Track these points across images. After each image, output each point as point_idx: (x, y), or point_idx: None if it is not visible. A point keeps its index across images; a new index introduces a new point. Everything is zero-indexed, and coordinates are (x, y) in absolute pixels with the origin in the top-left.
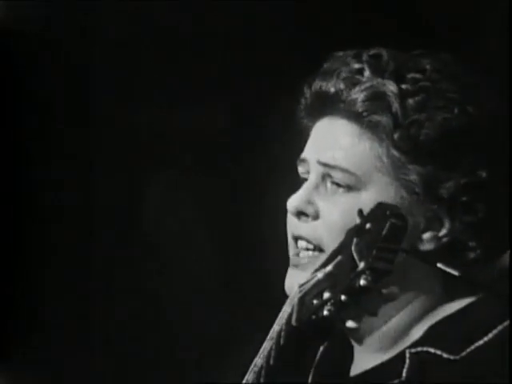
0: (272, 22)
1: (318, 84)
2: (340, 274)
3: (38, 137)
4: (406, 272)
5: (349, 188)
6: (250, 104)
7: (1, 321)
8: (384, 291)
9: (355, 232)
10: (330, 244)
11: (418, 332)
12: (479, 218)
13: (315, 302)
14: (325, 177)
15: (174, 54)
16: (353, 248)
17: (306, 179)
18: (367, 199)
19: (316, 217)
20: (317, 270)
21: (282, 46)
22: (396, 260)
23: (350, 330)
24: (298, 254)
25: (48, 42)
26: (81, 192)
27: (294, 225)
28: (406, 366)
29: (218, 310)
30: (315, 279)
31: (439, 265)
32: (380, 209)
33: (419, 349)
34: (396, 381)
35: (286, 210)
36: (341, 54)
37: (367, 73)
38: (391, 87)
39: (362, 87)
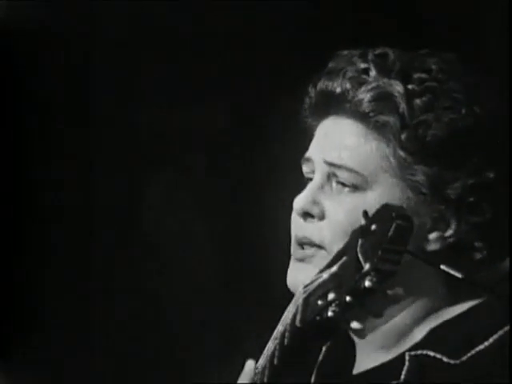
0: (272, 21)
1: (323, 83)
2: (345, 275)
3: (38, 137)
4: (411, 273)
5: (355, 188)
6: (250, 104)
7: (1, 321)
8: (389, 292)
9: (360, 233)
10: (333, 244)
11: (419, 334)
12: (486, 218)
13: (320, 302)
14: (330, 176)
15: (173, 54)
16: (358, 249)
17: (310, 179)
18: (373, 199)
19: (322, 217)
20: (322, 271)
21: (282, 46)
22: (401, 261)
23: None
24: (302, 247)
25: (48, 42)
26: (81, 192)
27: (298, 226)
28: (405, 368)
29: (217, 309)
30: (320, 280)
31: (443, 266)
32: (385, 210)
33: (419, 352)
34: (394, 382)
35: (285, 210)
36: (346, 52)
37: (373, 72)
38: (398, 87)
39: (369, 87)
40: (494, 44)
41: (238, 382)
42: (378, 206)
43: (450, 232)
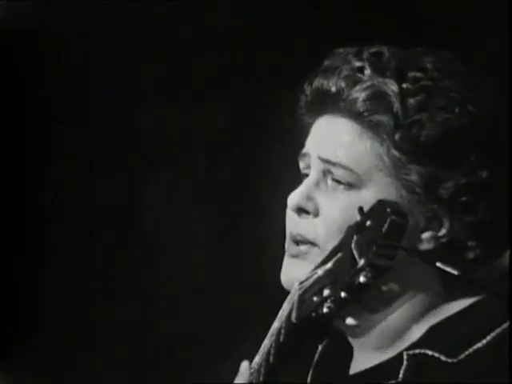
0: (272, 21)
1: (318, 81)
2: (340, 271)
3: (38, 137)
4: (406, 269)
5: (349, 186)
6: (250, 104)
7: (1, 321)
8: (384, 288)
9: (355, 229)
10: (327, 241)
11: (417, 332)
12: (479, 218)
13: (315, 299)
14: (326, 173)
15: (173, 54)
16: (353, 245)
17: (306, 175)
18: (367, 197)
19: (316, 214)
20: (317, 267)
21: (282, 46)
22: (396, 257)
23: (349, 326)
24: (296, 243)
25: (48, 42)
26: (81, 192)
27: (293, 222)
28: (404, 367)
29: (217, 310)
30: (315, 276)
31: (438, 264)
32: (380, 206)
33: (417, 351)
34: (393, 381)
35: (285, 210)
36: (341, 50)
37: (368, 71)
38: (392, 87)
39: (363, 86)
40: (494, 44)
41: (235, 382)
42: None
43: (443, 231)
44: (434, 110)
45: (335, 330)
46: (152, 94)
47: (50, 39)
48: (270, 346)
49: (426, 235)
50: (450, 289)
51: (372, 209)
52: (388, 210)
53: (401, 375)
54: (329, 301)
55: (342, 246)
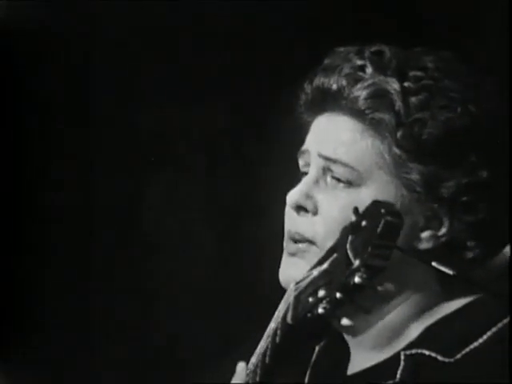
0: (272, 21)
1: (319, 80)
2: (335, 272)
3: (38, 137)
4: (402, 269)
5: (349, 183)
6: (250, 104)
7: (1, 321)
8: (379, 288)
9: (350, 230)
10: (326, 240)
11: (414, 332)
12: (479, 217)
13: (311, 299)
14: (325, 171)
15: (173, 54)
16: (348, 246)
17: (305, 173)
18: (367, 196)
19: (315, 212)
20: (313, 268)
21: (282, 46)
22: (391, 257)
23: (345, 327)
24: (295, 241)
25: (48, 42)
26: (81, 192)
27: (292, 220)
28: (401, 367)
29: (217, 310)
30: (311, 277)
31: (434, 263)
32: (375, 206)
33: (414, 351)
34: (390, 382)
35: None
36: (342, 49)
37: (369, 70)
38: (394, 85)
39: (365, 84)
40: (494, 44)
41: (231, 383)
42: None
43: (442, 231)
44: (436, 108)
45: (332, 330)
46: (152, 93)
47: (50, 39)
48: (266, 346)
49: (425, 234)
50: (447, 288)
51: (367, 209)
52: (382, 210)
53: (398, 375)
54: (324, 301)
55: (338, 247)
